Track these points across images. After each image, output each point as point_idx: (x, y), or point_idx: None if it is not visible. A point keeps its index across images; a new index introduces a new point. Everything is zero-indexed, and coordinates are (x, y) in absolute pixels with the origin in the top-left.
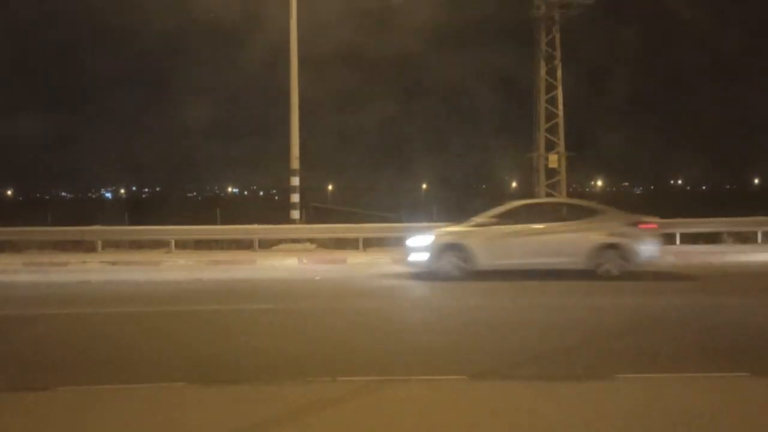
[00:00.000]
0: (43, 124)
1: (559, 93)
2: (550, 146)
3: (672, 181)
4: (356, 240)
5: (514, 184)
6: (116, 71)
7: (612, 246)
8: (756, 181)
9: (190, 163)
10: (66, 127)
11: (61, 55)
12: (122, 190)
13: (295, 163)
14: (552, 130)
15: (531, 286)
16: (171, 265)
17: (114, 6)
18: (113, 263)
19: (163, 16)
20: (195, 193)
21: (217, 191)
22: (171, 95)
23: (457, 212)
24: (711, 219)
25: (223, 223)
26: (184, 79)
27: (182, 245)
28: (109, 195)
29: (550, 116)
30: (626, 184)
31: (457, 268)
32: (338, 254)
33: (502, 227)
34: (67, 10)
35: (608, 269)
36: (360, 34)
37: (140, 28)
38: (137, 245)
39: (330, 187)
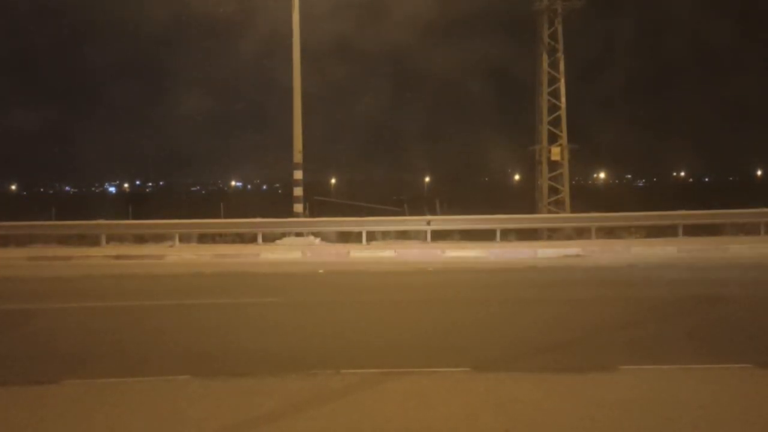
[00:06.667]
0: (45, 119)
1: (562, 85)
2: (553, 139)
3: (675, 173)
4: (359, 234)
5: (516, 177)
6: (119, 64)
7: None
8: (759, 173)
9: (193, 157)
10: (69, 122)
11: (63, 48)
12: (126, 185)
13: (298, 157)
14: (555, 122)
15: None
16: (175, 259)
17: None
18: (117, 257)
19: (167, 8)
20: (198, 187)
21: (221, 185)
22: (174, 89)
23: (459, 206)
24: (713, 211)
25: (227, 217)
26: (187, 73)
27: (186, 239)
28: (112, 189)
29: (553, 109)
30: (629, 176)
31: None
32: (342, 248)
33: None
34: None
35: None
36: (359, 26)
37: (142, 20)
38: (141, 239)
39: (333, 181)
